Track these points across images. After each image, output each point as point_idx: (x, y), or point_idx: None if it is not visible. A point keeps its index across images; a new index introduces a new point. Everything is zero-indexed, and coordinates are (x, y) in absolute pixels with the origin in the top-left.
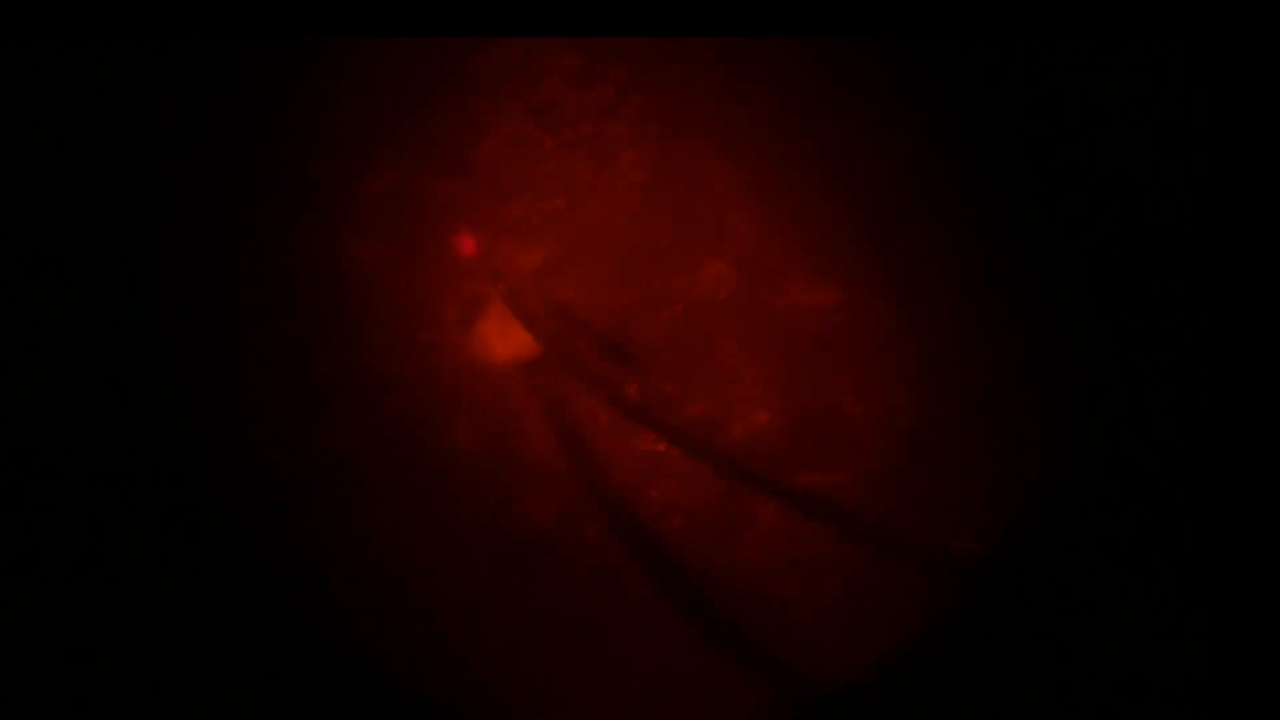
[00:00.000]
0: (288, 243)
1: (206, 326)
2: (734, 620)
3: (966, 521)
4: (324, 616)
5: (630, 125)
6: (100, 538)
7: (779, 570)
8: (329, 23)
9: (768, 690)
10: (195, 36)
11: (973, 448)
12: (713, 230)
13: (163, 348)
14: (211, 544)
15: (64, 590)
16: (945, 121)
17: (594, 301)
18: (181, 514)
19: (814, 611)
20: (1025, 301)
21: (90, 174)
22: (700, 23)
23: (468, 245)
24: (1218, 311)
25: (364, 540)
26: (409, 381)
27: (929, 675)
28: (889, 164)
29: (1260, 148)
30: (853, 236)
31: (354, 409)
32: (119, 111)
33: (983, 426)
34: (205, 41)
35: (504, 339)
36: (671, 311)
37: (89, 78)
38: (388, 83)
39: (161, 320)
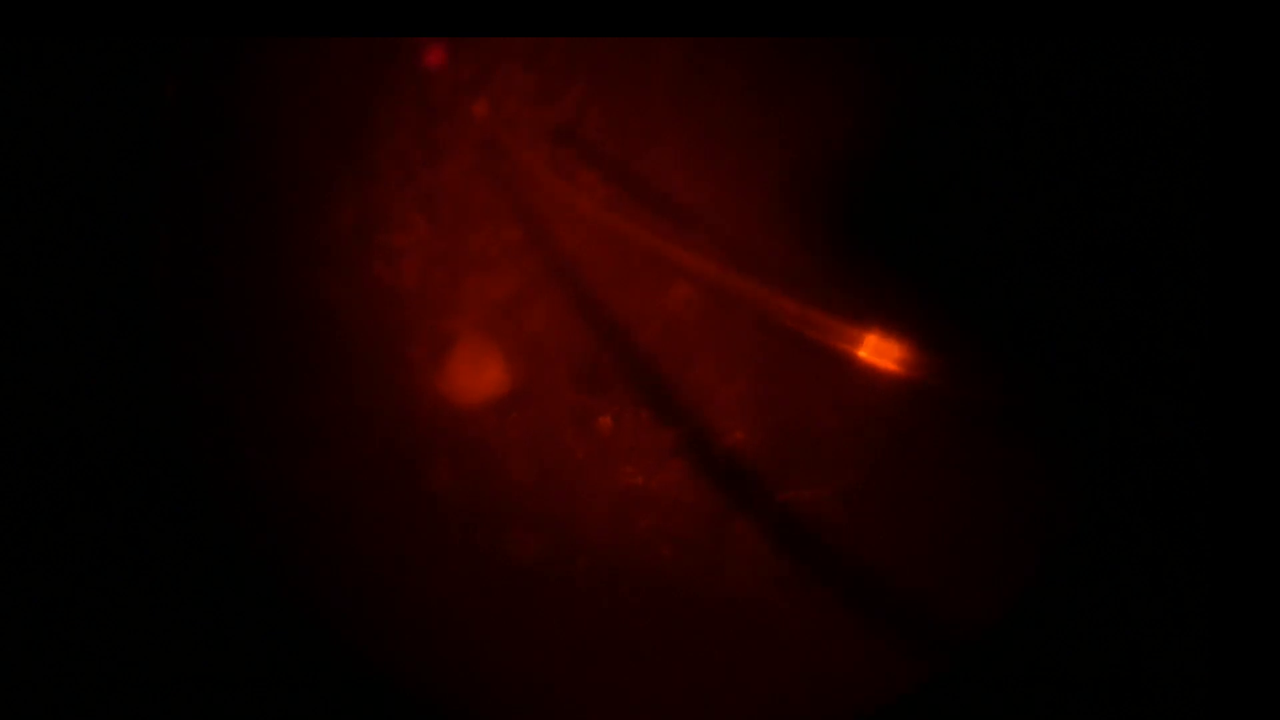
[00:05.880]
0: (251, 280)
1: (168, 371)
2: (729, 643)
3: (952, 530)
4: (314, 654)
5: (589, 143)
6: (77, 581)
7: (770, 590)
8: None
9: (765, 712)
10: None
11: (955, 455)
12: (679, 248)
13: (131, 390)
14: (200, 581)
15: (45, 642)
16: (924, 128)
17: (564, 331)
18: (170, 555)
19: (806, 629)
20: (1008, 309)
21: (34, 225)
22: (655, 23)
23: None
24: (1219, 323)
25: (355, 581)
26: (382, 424)
27: (929, 688)
28: (862, 172)
29: (1260, 150)
30: (825, 248)
31: (328, 453)
32: (80, 143)
33: (964, 433)
34: (160, 57)
35: (476, 375)
36: (643, 335)
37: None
38: (344, 111)
39: (130, 361)
